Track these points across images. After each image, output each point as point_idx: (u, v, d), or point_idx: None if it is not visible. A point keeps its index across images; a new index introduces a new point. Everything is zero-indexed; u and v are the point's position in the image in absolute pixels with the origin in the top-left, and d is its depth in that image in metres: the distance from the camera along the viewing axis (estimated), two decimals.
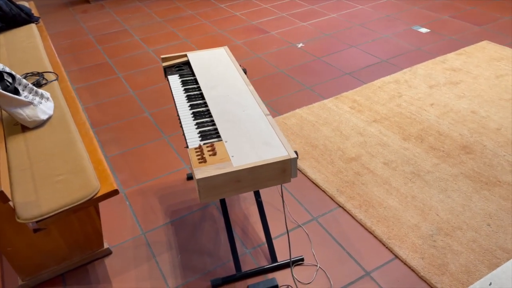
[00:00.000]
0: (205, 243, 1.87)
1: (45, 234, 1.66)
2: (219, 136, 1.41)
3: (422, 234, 1.77)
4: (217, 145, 1.34)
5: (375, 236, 1.80)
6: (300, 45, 3.56)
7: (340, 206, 1.97)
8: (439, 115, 2.49)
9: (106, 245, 1.84)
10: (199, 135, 1.43)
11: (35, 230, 1.62)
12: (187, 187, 2.18)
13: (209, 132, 1.43)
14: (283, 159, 1.26)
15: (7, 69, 1.93)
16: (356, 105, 2.65)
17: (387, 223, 1.84)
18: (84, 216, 1.70)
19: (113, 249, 1.87)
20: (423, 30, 3.62)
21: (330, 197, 2.02)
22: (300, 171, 2.20)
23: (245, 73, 1.88)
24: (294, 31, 3.84)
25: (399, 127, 2.42)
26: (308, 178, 2.15)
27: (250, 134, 1.38)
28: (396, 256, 1.71)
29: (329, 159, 2.23)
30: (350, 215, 1.92)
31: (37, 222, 1.48)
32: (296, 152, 1.35)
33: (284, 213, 1.97)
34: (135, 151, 2.47)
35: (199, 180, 1.21)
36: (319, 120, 2.55)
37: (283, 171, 1.28)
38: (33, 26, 3.01)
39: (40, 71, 2.35)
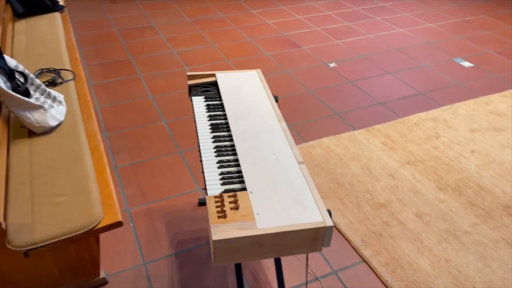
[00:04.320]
0: (209, 285, 1.68)
1: (37, 259, 1.50)
2: (242, 182, 1.23)
3: None
4: (240, 196, 1.15)
5: None
6: (333, 65, 3.36)
7: (365, 261, 1.77)
8: (480, 165, 2.27)
9: (102, 274, 1.67)
10: (220, 177, 1.25)
11: (26, 254, 1.46)
12: (197, 214, 2.00)
13: (232, 176, 1.25)
14: (317, 226, 1.07)
15: (20, 67, 1.78)
16: (389, 142, 2.44)
17: None
18: (82, 243, 1.54)
19: (109, 278, 1.70)
20: (466, 64, 3.38)
21: (353, 248, 1.82)
22: None
23: (276, 100, 1.70)
24: (327, 48, 3.64)
25: (435, 174, 2.20)
26: None
27: (279, 186, 1.19)
28: None
29: (356, 201, 2.03)
30: (375, 273, 1.72)
31: (28, 250, 1.32)
32: (329, 212, 1.16)
33: (307, 273, 1.78)
34: (146, 164, 2.30)
35: (215, 242, 1.02)
36: (347, 154, 2.35)
37: (314, 239, 1.09)
38: (57, 15, 2.86)
39: (57, 67, 2.20)
